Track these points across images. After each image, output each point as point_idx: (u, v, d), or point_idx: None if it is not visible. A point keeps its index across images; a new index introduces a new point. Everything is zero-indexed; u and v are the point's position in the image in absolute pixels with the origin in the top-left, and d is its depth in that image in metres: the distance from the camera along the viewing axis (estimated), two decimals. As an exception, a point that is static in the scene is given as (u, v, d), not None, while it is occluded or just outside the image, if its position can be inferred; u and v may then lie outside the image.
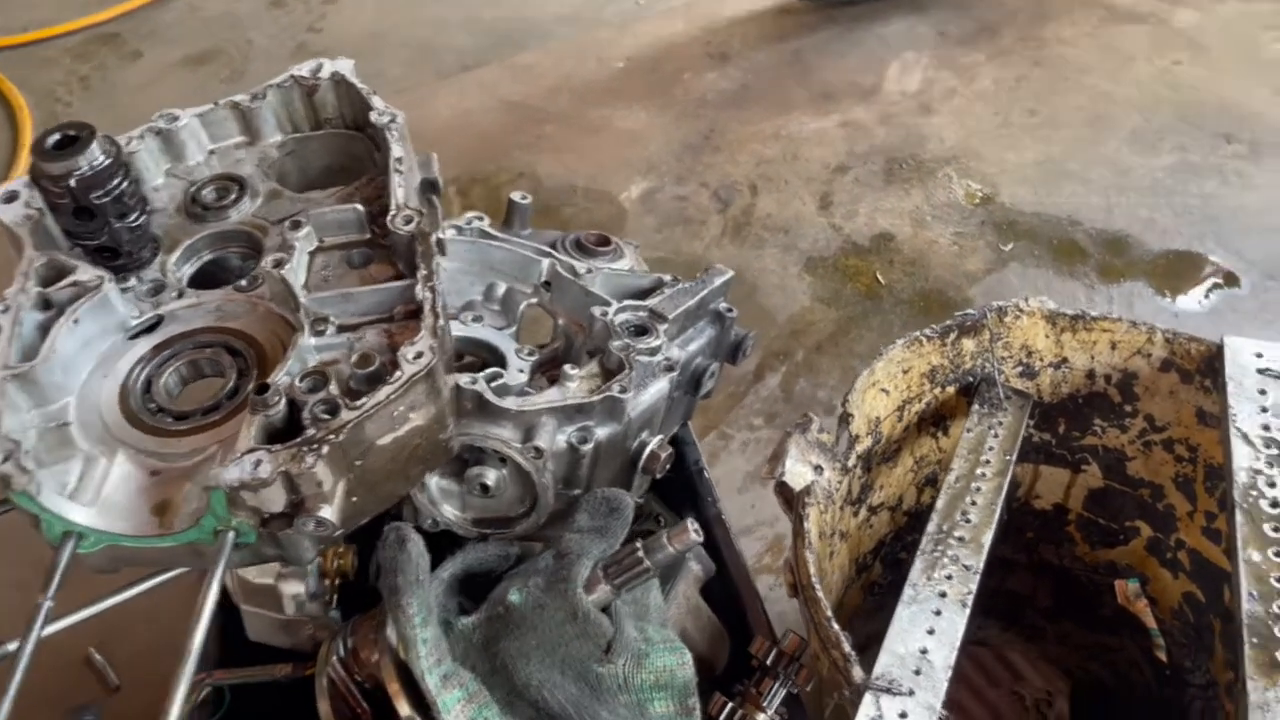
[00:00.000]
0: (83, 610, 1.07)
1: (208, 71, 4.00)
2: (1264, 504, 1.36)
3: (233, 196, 1.37)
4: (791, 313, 2.76)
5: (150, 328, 1.22)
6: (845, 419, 1.56)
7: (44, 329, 1.13)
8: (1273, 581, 1.28)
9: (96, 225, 1.20)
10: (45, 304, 1.16)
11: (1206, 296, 2.75)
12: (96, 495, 1.05)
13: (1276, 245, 2.89)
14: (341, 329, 1.18)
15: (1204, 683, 1.77)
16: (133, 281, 1.26)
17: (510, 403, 1.31)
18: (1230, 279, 2.79)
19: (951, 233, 2.99)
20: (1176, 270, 2.83)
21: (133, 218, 1.23)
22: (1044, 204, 3.06)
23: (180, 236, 1.33)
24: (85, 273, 1.19)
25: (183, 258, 1.31)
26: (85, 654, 2.13)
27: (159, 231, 1.33)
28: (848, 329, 2.70)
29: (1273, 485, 1.38)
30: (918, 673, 1.21)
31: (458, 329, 1.47)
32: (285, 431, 1.04)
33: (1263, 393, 1.50)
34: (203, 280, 1.32)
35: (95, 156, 1.16)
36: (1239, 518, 1.34)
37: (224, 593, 1.44)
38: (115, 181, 1.19)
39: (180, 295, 1.25)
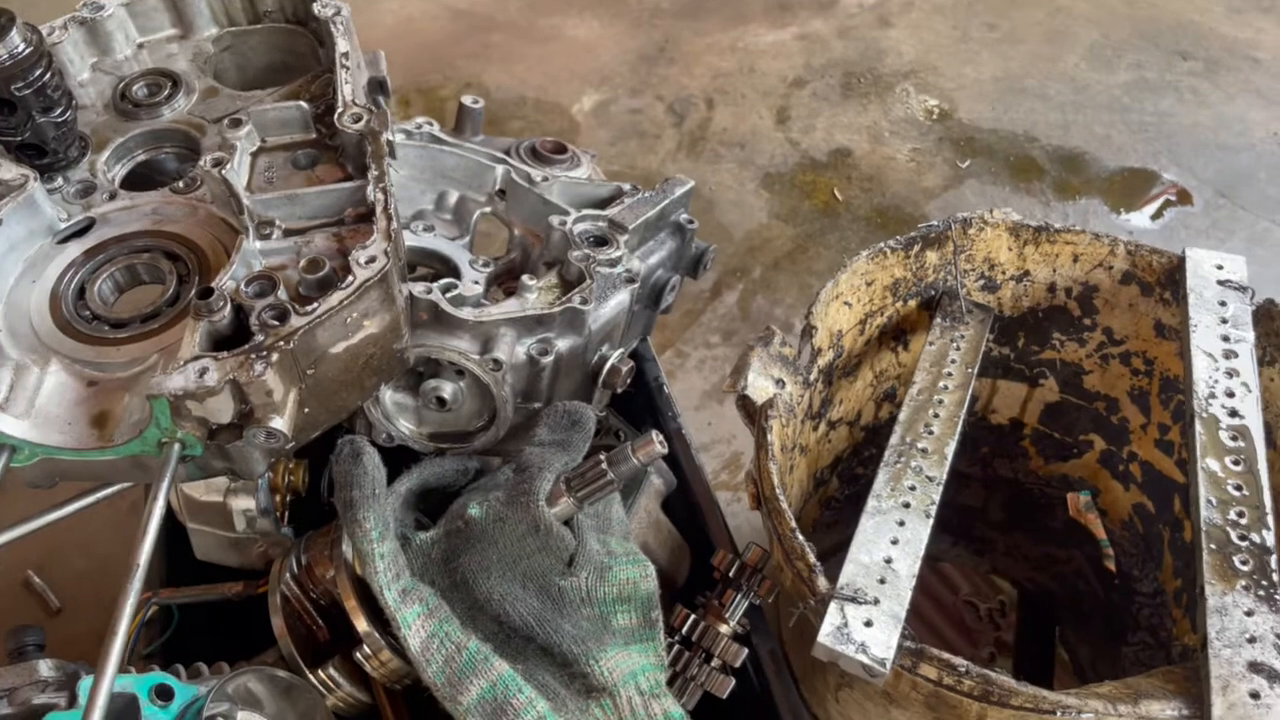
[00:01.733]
0: (22, 524, 1.02)
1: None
2: (1222, 413, 1.37)
3: (166, 93, 1.29)
4: (749, 229, 2.72)
5: (81, 231, 1.15)
6: (808, 331, 1.53)
7: (-36, 231, 1.06)
8: (1229, 489, 1.29)
9: (19, 120, 1.11)
10: (-36, 204, 1.08)
11: (1160, 214, 2.76)
12: (30, 406, 0.99)
13: (1229, 163, 2.90)
14: (288, 233, 1.12)
15: (1151, 590, 1.81)
16: (59, 182, 1.18)
17: (467, 313, 1.26)
18: (1184, 196, 2.80)
19: (909, 149, 2.96)
20: (1132, 187, 2.83)
21: (58, 112, 1.15)
22: (1001, 120, 3.04)
23: (110, 135, 1.25)
24: (8, 171, 1.11)
25: (114, 157, 1.23)
26: (23, 577, 2.07)
27: (86, 129, 1.24)
28: (805, 246, 2.67)
29: (1231, 395, 1.39)
30: (882, 581, 1.20)
31: (409, 239, 1.41)
32: (231, 339, 0.99)
33: (1223, 304, 1.50)
34: (135, 183, 1.24)
35: (15, 45, 1.07)
36: (1198, 427, 1.35)
37: (169, 511, 1.39)
38: (38, 72, 1.10)
39: (112, 197, 1.18)
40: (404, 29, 3.46)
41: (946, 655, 1.12)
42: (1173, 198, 2.77)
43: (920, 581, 2.13)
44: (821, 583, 1.20)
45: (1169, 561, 1.76)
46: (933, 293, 1.71)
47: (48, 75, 1.12)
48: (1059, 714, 1.10)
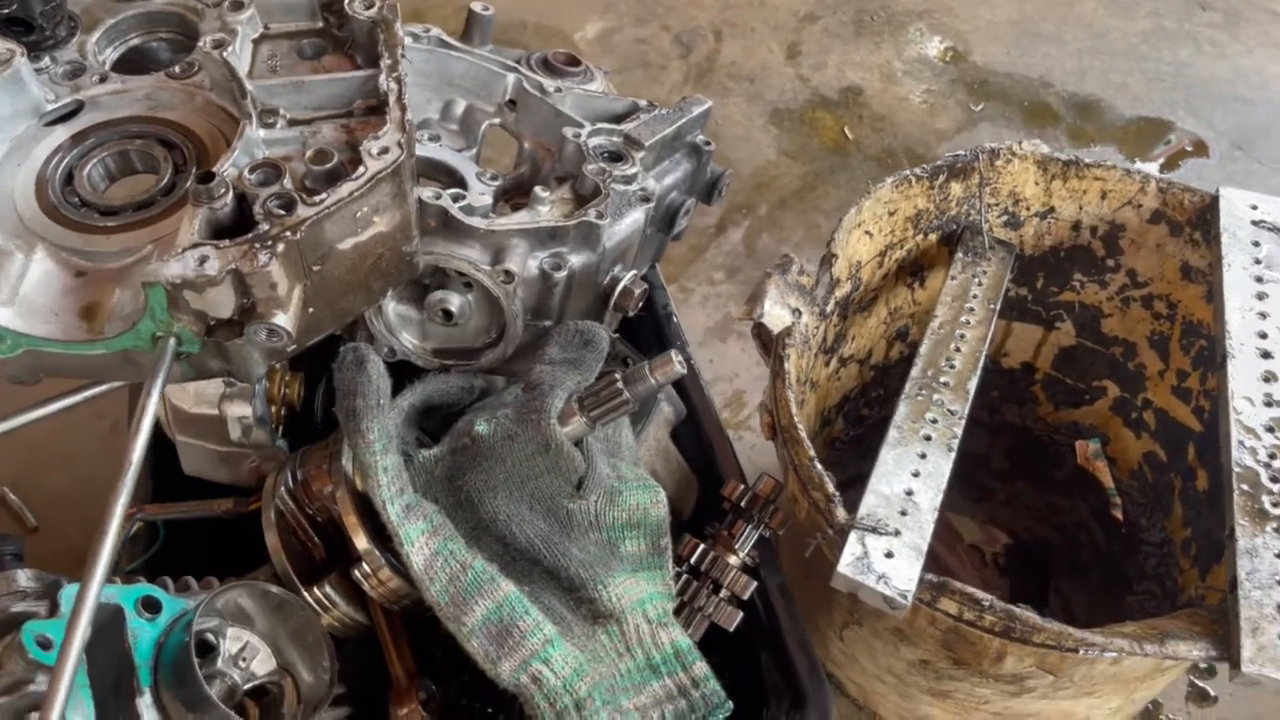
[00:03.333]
0: (4, 421, 0.95)
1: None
2: (1254, 354, 1.32)
3: (162, -27, 1.20)
4: (756, 165, 2.64)
5: (69, 114, 1.07)
6: (828, 259, 1.48)
7: (-57, 106, 0.98)
8: (1260, 430, 1.25)
9: (3, -10, 1.03)
10: (-56, 78, 1.00)
11: (1175, 165, 2.70)
12: (14, 294, 0.92)
13: (1246, 115, 2.84)
14: (293, 123, 1.05)
15: (1159, 540, 1.79)
16: (46, 62, 1.11)
17: (478, 221, 1.20)
18: (1199, 148, 2.74)
19: (922, 90, 2.88)
20: (1147, 136, 2.77)
21: (45, -15, 1.06)
22: (1016, 64, 2.96)
23: (101, 15, 1.17)
24: (-9, 44, 1.02)
25: (105, 39, 1.15)
26: (-1, 494, 2.01)
27: (76, 9, 1.16)
28: (813, 185, 2.61)
29: (1264, 336, 1.34)
30: (903, 513, 1.16)
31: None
32: (232, 229, 0.92)
33: (1256, 244, 1.45)
34: (127, 69, 1.16)
35: (-2, -96, 0.99)
36: (1230, 367, 1.31)
37: (156, 426, 1.33)
38: (23, -62, 1.02)
39: (103, 80, 1.10)
40: (403, -52, 3.33)
41: (970, 589, 1.09)
42: (1189, 148, 2.72)
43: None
44: (840, 512, 1.16)
45: (1178, 511, 1.73)
46: (954, 227, 1.65)
47: (35, -57, 1.04)
48: (1082, 651, 1.07)
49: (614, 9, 3.10)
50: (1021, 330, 1.85)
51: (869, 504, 1.17)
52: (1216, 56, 3.02)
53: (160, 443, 1.37)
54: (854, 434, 1.98)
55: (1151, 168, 2.71)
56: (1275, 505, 1.17)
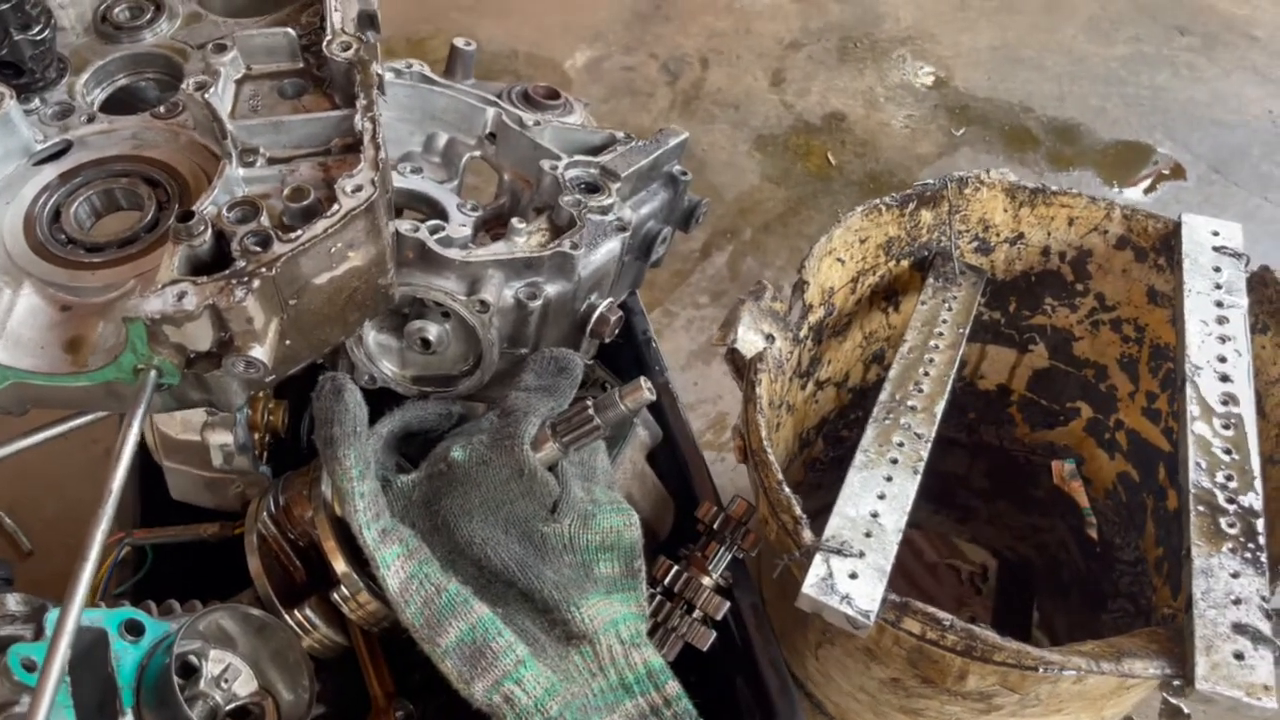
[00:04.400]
0: (-9, 451, 0.99)
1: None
2: (1213, 377, 1.36)
3: (148, 16, 1.25)
4: (740, 190, 2.69)
5: (57, 153, 1.11)
6: (800, 286, 1.51)
7: (-64, 147, 1.02)
8: (1218, 452, 1.28)
9: (-6, 35, 1.07)
10: (-63, 121, 1.04)
11: (1154, 188, 2.75)
12: (1, 329, 0.96)
13: (1223, 139, 2.89)
14: (272, 161, 1.09)
15: (1133, 559, 1.82)
16: (36, 104, 1.15)
17: (455, 253, 1.23)
18: (1177, 171, 2.79)
19: (904, 115, 2.93)
20: (1126, 160, 2.82)
21: (36, 30, 1.11)
22: (997, 89, 3.01)
23: (90, 57, 1.21)
24: (-18, 88, 1.07)
25: (93, 80, 1.19)
26: (-5, 519, 2.04)
27: (65, 51, 1.20)
28: (797, 209, 2.65)
29: (1223, 360, 1.38)
30: (868, 535, 1.19)
31: (397, 180, 1.38)
32: (211, 265, 0.96)
33: (1217, 270, 1.49)
34: (114, 109, 1.20)
35: (-10, -46, 1.03)
36: (1189, 391, 1.34)
37: (144, 449, 1.36)
38: (15, -14, 1.06)
39: (91, 120, 1.14)
40: (395, -22, 3.40)
41: (931, 609, 1.11)
42: (1166, 172, 2.76)
43: (910, 546, 2.13)
44: (807, 534, 1.19)
45: (1151, 530, 1.76)
46: (926, 253, 1.69)
47: (26, -10, 1.08)
48: (1041, 669, 1.10)
49: (603, 38, 3.15)
50: (996, 353, 1.89)
51: (834, 526, 1.20)
52: (1194, 80, 3.07)
53: (149, 467, 1.40)
54: (833, 455, 2.01)
55: (1135, 193, 2.75)
56: (1231, 526, 1.20)
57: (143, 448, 1.37)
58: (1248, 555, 1.17)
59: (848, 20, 3.23)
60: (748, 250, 2.56)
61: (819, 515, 1.28)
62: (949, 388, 1.45)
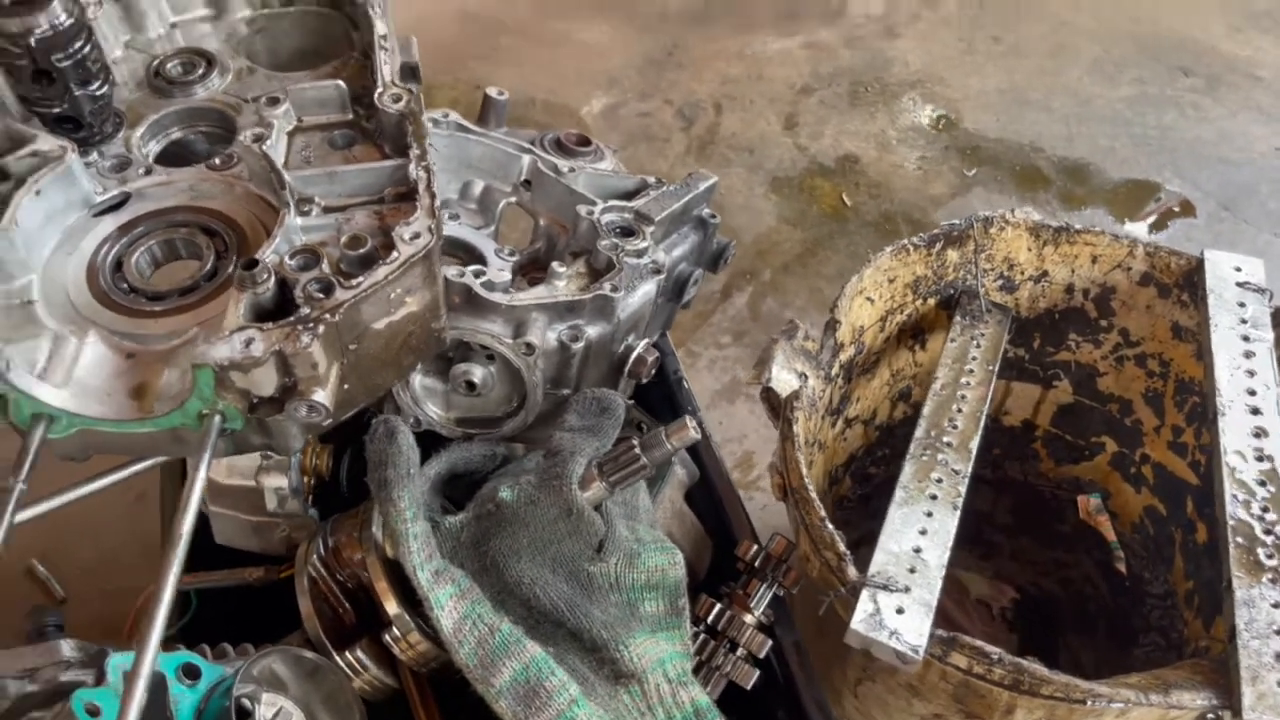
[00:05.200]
0: (57, 497, 1.00)
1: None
2: (1244, 410, 1.38)
3: (200, 71, 1.28)
4: (758, 232, 2.73)
5: (116, 205, 1.14)
6: (832, 325, 1.54)
7: (2, 201, 1.05)
8: (1252, 485, 1.30)
9: (56, 91, 1.11)
10: (3, 174, 1.07)
11: (1164, 225, 2.78)
12: (68, 376, 0.98)
13: (1231, 177, 2.93)
14: (328, 210, 1.11)
15: (1162, 592, 1.82)
16: (94, 156, 1.18)
17: (499, 297, 1.26)
18: (1186, 208, 2.83)
19: (916, 156, 2.98)
20: (1135, 198, 2.86)
21: (95, 85, 1.14)
22: (1007, 130, 3.06)
23: (145, 111, 1.24)
24: (46, 142, 1.10)
25: (148, 133, 1.22)
26: (27, 566, 2.04)
27: (120, 106, 1.24)
28: (814, 250, 2.69)
29: (1252, 394, 1.40)
30: (912, 570, 1.20)
31: (437, 225, 1.41)
32: (274, 311, 0.98)
33: (1242, 305, 1.51)
34: (169, 160, 1.23)
35: (57, 15, 1.06)
36: (1220, 424, 1.36)
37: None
38: (78, 44, 1.09)
39: (148, 172, 1.17)
40: (414, 28, 3.44)
41: (979, 643, 1.12)
42: (1176, 209, 2.80)
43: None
44: (852, 571, 1.20)
45: (1180, 564, 1.77)
46: (952, 291, 1.71)
47: (87, 48, 1.11)
48: (1090, 702, 1.10)
49: (618, 84, 3.22)
50: (1021, 389, 1.91)
51: (879, 562, 1.21)
52: (1200, 120, 3.12)
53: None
54: (861, 492, 2.02)
55: (1140, 228, 2.79)
56: (1269, 557, 1.21)
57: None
58: (1289, 586, 1.18)
59: (857, 65, 3.29)
60: (767, 291, 2.59)
61: (854, 550, 1.29)
62: (982, 424, 1.47)
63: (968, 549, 2.31)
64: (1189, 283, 1.61)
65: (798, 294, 2.56)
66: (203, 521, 1.43)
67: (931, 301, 1.72)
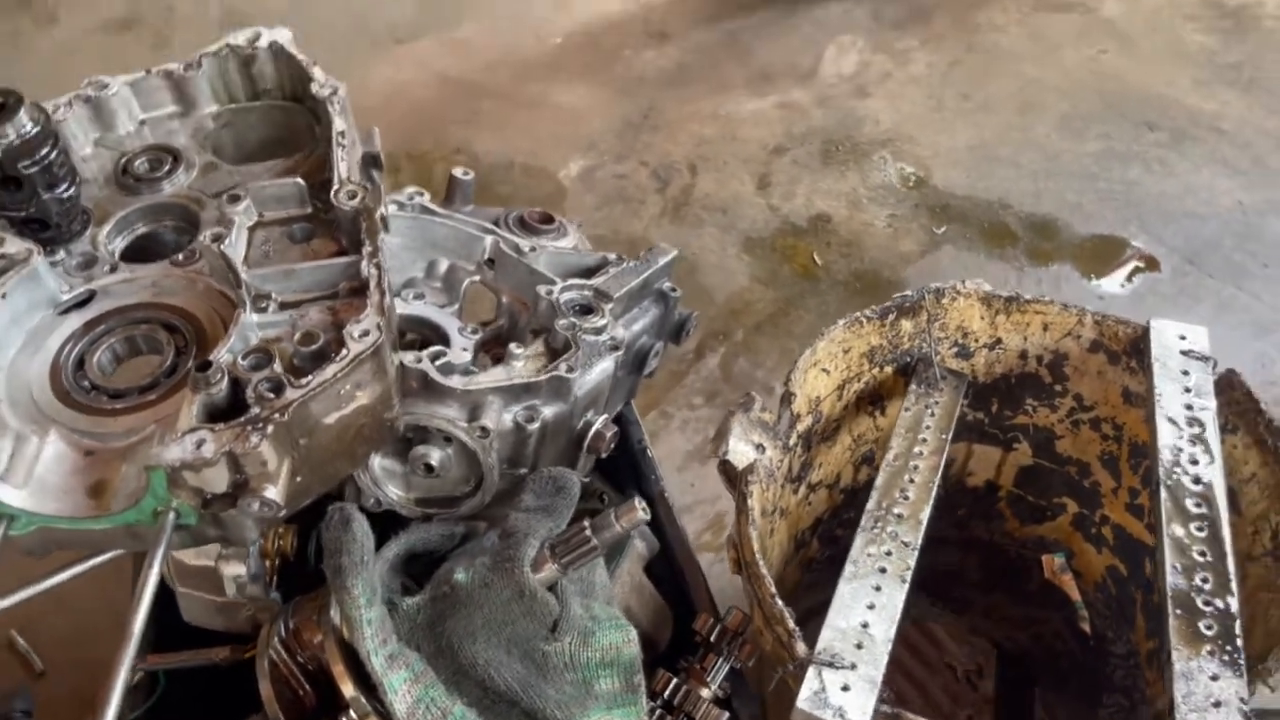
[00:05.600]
0: (16, 593, 1.04)
1: (130, 38, 3.86)
2: (1186, 480, 1.41)
3: (166, 168, 1.33)
4: (730, 292, 2.78)
5: (82, 302, 1.18)
6: (787, 398, 1.57)
7: (-32, 304, 1.09)
8: (1194, 555, 1.33)
9: (24, 196, 1.15)
10: (-31, 278, 1.11)
11: (1129, 280, 2.84)
12: (28, 476, 1.02)
13: (1195, 230, 2.99)
14: (284, 306, 1.16)
15: (1125, 652, 1.84)
16: (61, 255, 1.22)
17: (456, 381, 1.30)
18: (1151, 263, 2.88)
19: (886, 215, 3.04)
20: (1102, 254, 2.91)
21: (62, 188, 1.19)
22: (976, 187, 3.13)
23: (111, 209, 1.29)
24: (12, 245, 1.14)
25: (115, 230, 1.27)
26: (6, 639, 2.06)
27: (89, 203, 1.28)
28: (786, 309, 2.73)
29: (1195, 463, 1.43)
30: (859, 646, 1.23)
31: (399, 306, 1.45)
32: (227, 410, 1.02)
33: (1185, 374, 1.55)
34: (136, 255, 1.28)
35: (23, 124, 1.12)
36: (1163, 494, 1.39)
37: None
38: (44, 151, 1.14)
39: (113, 269, 1.21)
40: (396, 95, 3.55)
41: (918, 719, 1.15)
42: (1141, 265, 2.85)
43: (908, 642, 2.16)
44: (800, 647, 1.23)
45: (1141, 623, 1.79)
46: (908, 359, 1.75)
47: (53, 153, 1.16)
48: (1031, 778, 1.13)
49: (595, 148, 3.28)
50: (982, 451, 1.94)
51: (826, 638, 1.24)
52: (1165, 174, 3.19)
53: (162, 591, 1.44)
54: (829, 554, 2.05)
55: (1112, 283, 2.84)
56: (1209, 628, 1.24)
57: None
58: (1226, 658, 1.21)
59: (829, 124, 3.37)
60: (740, 351, 2.63)
61: (819, 612, 1.32)
62: (934, 494, 1.50)
63: (941, 605, 2.33)
64: (1136, 350, 1.65)
65: (769, 354, 2.60)
66: (172, 600, 1.46)
67: (889, 369, 1.76)
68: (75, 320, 1.16)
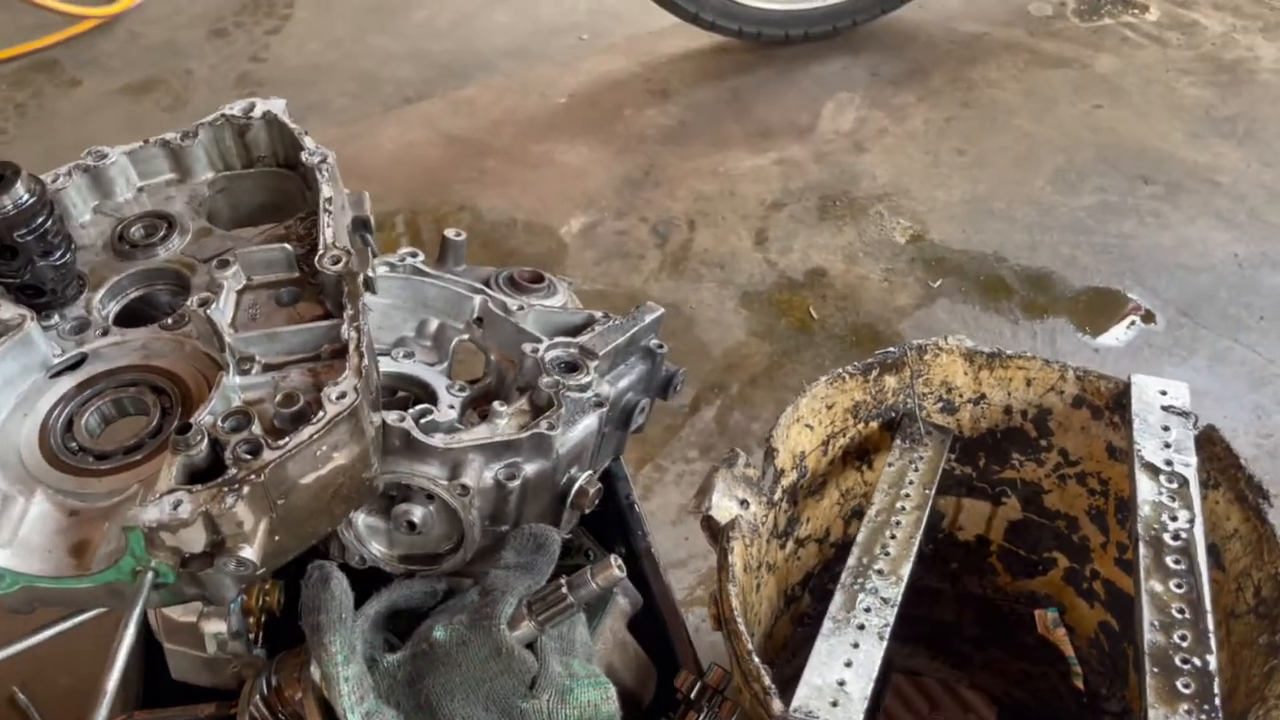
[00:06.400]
0: (8, 646, 1.06)
1: (150, 101, 3.96)
2: (1166, 536, 1.42)
3: (161, 234, 1.38)
4: (727, 346, 2.80)
5: (73, 366, 1.22)
6: (770, 454, 1.59)
7: (-39, 368, 1.13)
8: (1173, 611, 1.33)
9: (19, 264, 1.20)
10: (-37, 342, 1.15)
11: (1126, 331, 2.85)
12: (13, 535, 1.05)
13: (1190, 283, 3.00)
14: (267, 368, 1.19)
15: (1119, 710, 1.83)
16: (56, 319, 1.26)
17: (437, 440, 1.33)
18: (1148, 316, 2.90)
19: (882, 268, 3.07)
20: (1097, 307, 2.93)
21: (56, 256, 1.23)
22: (971, 241, 3.16)
23: (106, 274, 1.33)
24: (6, 311, 1.19)
25: (109, 295, 1.31)
26: (8, 694, 2.08)
27: (85, 268, 1.33)
28: (781, 363, 2.76)
29: (1174, 519, 1.44)
30: (835, 704, 1.24)
31: (389, 365, 1.49)
32: (208, 471, 1.05)
33: (1166, 429, 1.56)
34: (129, 317, 1.32)
35: (19, 195, 1.16)
36: (1142, 550, 1.40)
37: (148, 630, 1.43)
38: (39, 220, 1.19)
39: (105, 333, 1.25)
40: (404, 154, 3.62)
41: (895, 778, 1.15)
42: (1135, 318, 2.87)
43: (902, 697, 2.14)
44: (776, 705, 1.23)
45: (1134, 680, 1.78)
46: (893, 414, 1.77)
47: (49, 223, 1.21)
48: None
49: (595, 204, 3.34)
50: (971, 505, 1.95)
51: (801, 695, 1.25)
52: (1160, 227, 3.21)
53: (152, 646, 1.47)
54: (821, 609, 2.04)
55: (1107, 336, 2.85)
56: (1186, 687, 1.24)
57: (146, 628, 1.44)
58: (1204, 716, 1.21)
59: (826, 180, 3.42)
60: (735, 404, 2.65)
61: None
62: (915, 550, 1.51)
63: (940, 659, 2.32)
64: (1119, 405, 1.66)
65: (765, 406, 2.62)
66: (162, 655, 1.48)
67: (874, 424, 1.77)
68: (66, 383, 1.20)
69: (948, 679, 2.34)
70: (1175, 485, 1.49)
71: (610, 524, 1.75)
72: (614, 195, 3.35)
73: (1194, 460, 1.52)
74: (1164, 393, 1.62)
